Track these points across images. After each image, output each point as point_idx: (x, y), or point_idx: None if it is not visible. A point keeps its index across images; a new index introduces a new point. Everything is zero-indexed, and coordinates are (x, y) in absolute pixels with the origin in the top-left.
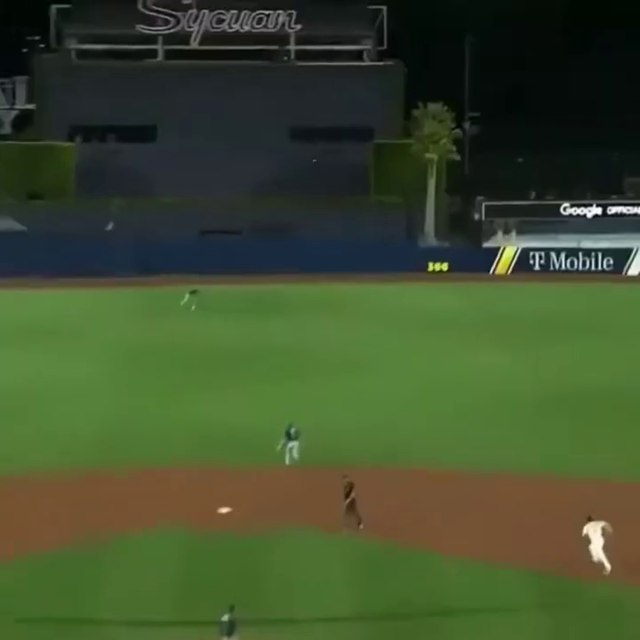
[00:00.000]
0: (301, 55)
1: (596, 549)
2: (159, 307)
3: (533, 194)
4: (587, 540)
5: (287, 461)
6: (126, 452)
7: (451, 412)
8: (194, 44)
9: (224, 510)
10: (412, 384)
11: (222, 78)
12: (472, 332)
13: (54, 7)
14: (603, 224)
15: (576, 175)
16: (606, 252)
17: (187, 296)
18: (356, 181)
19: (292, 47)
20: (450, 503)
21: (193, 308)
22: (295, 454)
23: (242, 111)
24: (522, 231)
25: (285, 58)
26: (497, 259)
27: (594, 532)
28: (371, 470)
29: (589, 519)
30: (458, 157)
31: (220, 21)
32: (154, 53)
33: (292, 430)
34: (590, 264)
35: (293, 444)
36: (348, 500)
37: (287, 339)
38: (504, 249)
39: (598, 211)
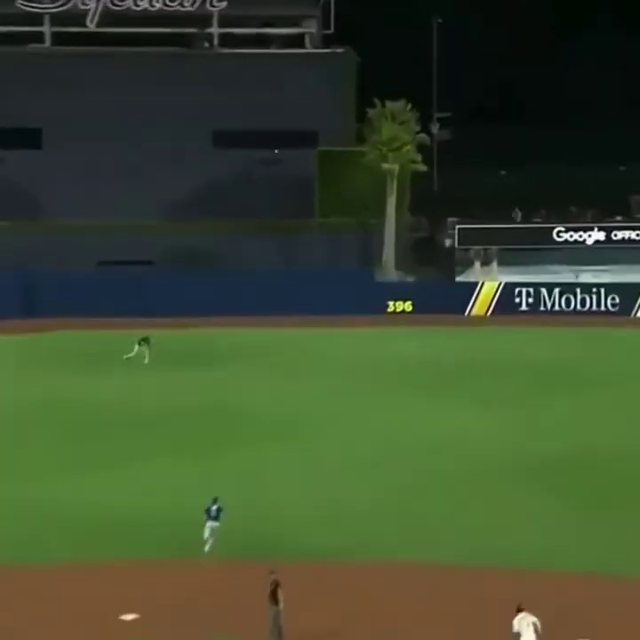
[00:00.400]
0: (227, 40)
1: None
2: (47, 358)
3: (519, 215)
4: (517, 636)
5: (207, 548)
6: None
7: (412, 487)
8: (90, 26)
9: (128, 617)
10: (365, 452)
11: (126, 69)
12: (442, 387)
13: None
14: (606, 253)
15: (572, 192)
16: (610, 288)
17: (136, 347)
18: (296, 199)
19: (215, 30)
20: (401, 605)
21: (146, 360)
22: (211, 537)
23: (151, 111)
24: (505, 262)
25: (206, 44)
26: (474, 297)
27: (527, 626)
28: (307, 563)
29: (519, 610)
30: (424, 168)
31: None
32: (39, 37)
33: (214, 508)
34: (591, 303)
35: (213, 524)
36: (276, 604)
37: (211, 397)
38: (483, 284)
39: (600, 236)
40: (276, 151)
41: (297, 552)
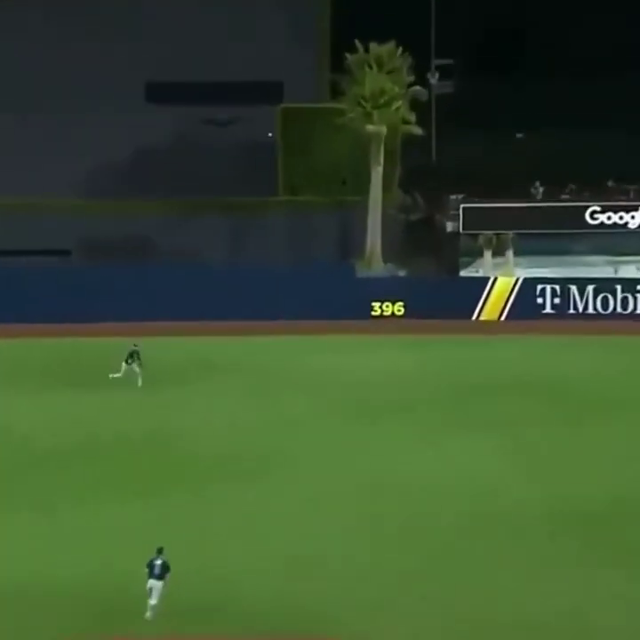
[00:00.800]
0: None
1: None
2: None
3: (541, 190)
4: None
5: (148, 613)
6: None
7: (397, 541)
8: None
9: None
10: (341, 496)
11: (34, 7)
12: (440, 413)
13: None
14: None
15: (610, 161)
16: None
17: (124, 366)
18: (254, 171)
19: None
20: None
21: (137, 373)
22: (154, 600)
23: (64, 58)
24: (523, 251)
25: None
26: (483, 297)
27: None
28: (257, 637)
29: None
30: (420, 131)
31: None
32: None
33: (158, 562)
34: (635, 304)
35: (155, 584)
36: None
37: (147, 425)
38: (495, 280)
39: None
40: (270, 135)
41: (246, 622)
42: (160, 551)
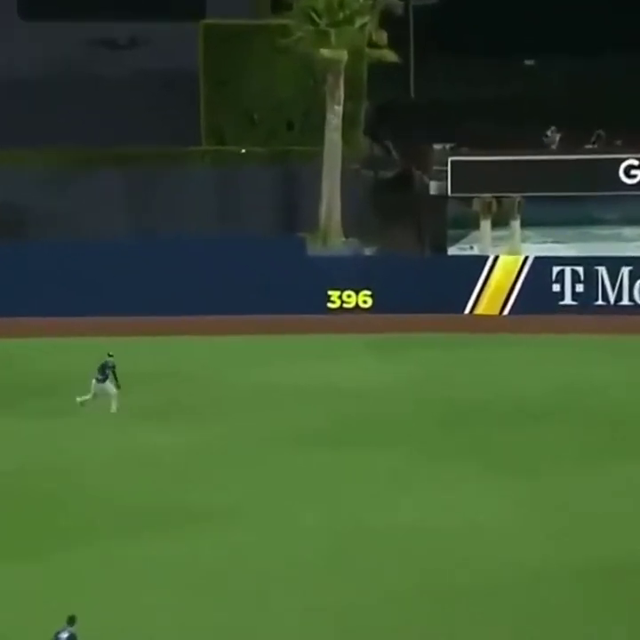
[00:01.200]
0: None
1: None
2: None
3: (557, 137)
4: None
5: None
6: None
7: (367, 616)
8: None
9: None
10: (289, 553)
11: None
12: (422, 442)
13: None
14: None
15: None
16: None
17: (94, 383)
18: (167, 111)
19: None
20: None
21: (111, 394)
22: None
23: None
24: (534, 220)
25: None
26: (479, 283)
27: None
28: None
29: None
30: (394, 58)
31: None
32: None
33: (64, 636)
34: None
35: None
36: None
37: (23, 461)
38: (496, 260)
39: None
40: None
41: None
42: (71, 621)
